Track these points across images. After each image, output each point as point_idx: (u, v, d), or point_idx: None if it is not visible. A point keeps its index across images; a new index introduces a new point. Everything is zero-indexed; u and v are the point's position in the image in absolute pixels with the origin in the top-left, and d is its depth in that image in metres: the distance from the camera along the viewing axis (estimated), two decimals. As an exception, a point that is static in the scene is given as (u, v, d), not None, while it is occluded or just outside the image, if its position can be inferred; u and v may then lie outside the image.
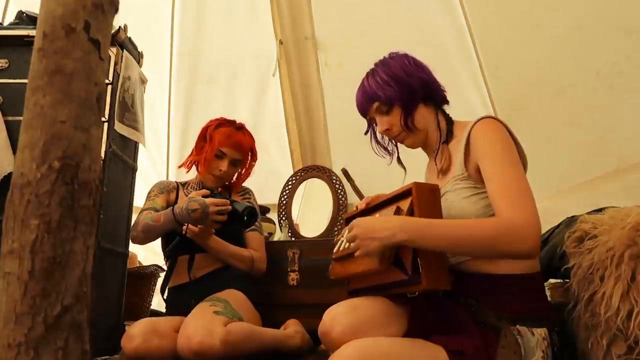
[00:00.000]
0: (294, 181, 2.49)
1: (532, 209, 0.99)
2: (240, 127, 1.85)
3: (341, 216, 2.29)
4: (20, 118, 0.74)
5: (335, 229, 2.25)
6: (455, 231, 0.99)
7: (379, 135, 1.37)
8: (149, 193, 1.85)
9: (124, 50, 1.90)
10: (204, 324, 1.35)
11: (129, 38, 1.96)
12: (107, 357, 1.73)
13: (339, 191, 2.34)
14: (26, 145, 0.71)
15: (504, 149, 1.08)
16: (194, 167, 1.86)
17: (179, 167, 1.88)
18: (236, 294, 1.60)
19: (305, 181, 2.58)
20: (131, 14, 1.85)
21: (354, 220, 1.09)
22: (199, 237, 1.60)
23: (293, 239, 2.33)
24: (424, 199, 1.05)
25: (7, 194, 0.72)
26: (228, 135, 1.76)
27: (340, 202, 2.32)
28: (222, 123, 1.82)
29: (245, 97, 2.94)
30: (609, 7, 1.96)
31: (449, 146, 1.22)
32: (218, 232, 1.66)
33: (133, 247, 2.39)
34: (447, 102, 1.29)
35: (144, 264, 2.59)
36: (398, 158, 1.39)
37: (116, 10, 0.83)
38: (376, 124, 1.30)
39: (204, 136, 1.81)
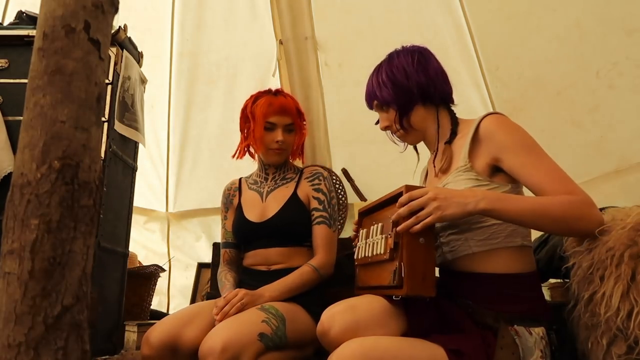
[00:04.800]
0: (294, 181, 2.49)
1: (584, 191, 1.04)
2: (278, 92, 1.69)
3: (341, 216, 2.29)
4: (20, 118, 0.74)
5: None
6: (533, 204, 1.02)
7: None
8: (221, 208, 1.76)
9: (124, 50, 1.90)
10: (237, 345, 1.20)
11: (129, 38, 1.96)
12: (107, 357, 1.73)
13: (339, 191, 2.34)
14: (26, 145, 0.71)
15: (531, 141, 1.10)
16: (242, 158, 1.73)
17: (233, 156, 1.73)
18: (297, 313, 1.42)
19: (305, 181, 2.58)
20: (131, 14, 1.85)
21: (424, 189, 1.04)
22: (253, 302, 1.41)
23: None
24: None
25: (7, 194, 0.72)
26: (269, 104, 1.60)
27: (341, 202, 2.31)
28: (257, 96, 1.67)
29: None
30: (609, 7, 1.96)
31: (451, 145, 1.22)
32: (279, 232, 1.56)
33: (133, 247, 2.39)
34: (450, 101, 1.29)
35: (144, 264, 2.59)
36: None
37: (116, 10, 0.83)
38: None
39: (246, 117, 1.66)
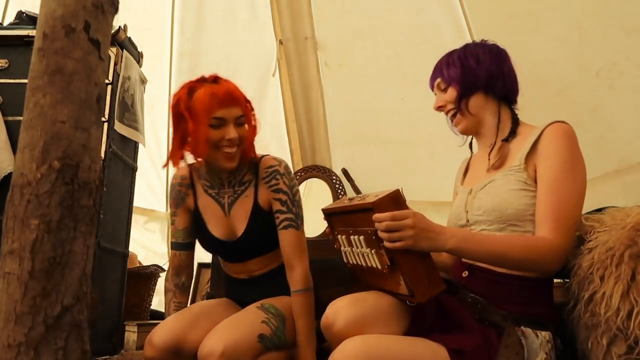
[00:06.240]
0: (294, 181, 2.49)
1: (572, 235, 1.06)
2: (216, 78, 1.39)
3: (341, 216, 2.29)
4: (20, 118, 0.74)
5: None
6: (495, 249, 1.04)
7: None
8: (169, 202, 1.56)
9: (124, 50, 1.90)
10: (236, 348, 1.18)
11: (129, 38, 1.96)
12: (107, 357, 1.74)
13: (339, 191, 2.34)
14: (26, 145, 0.71)
15: (570, 158, 1.09)
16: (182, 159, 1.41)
17: (163, 167, 1.43)
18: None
19: (306, 181, 2.58)
20: (131, 14, 1.85)
21: (407, 212, 1.02)
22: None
23: (293, 239, 2.32)
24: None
25: (7, 194, 0.72)
26: (212, 94, 1.30)
27: (340, 202, 2.32)
28: (191, 87, 1.33)
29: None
30: (609, 7, 1.96)
31: (509, 144, 1.21)
32: (251, 248, 1.46)
33: (133, 247, 2.39)
34: (514, 101, 1.29)
35: (144, 264, 2.59)
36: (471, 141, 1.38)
37: (116, 10, 0.83)
38: None
39: (180, 115, 1.32)
